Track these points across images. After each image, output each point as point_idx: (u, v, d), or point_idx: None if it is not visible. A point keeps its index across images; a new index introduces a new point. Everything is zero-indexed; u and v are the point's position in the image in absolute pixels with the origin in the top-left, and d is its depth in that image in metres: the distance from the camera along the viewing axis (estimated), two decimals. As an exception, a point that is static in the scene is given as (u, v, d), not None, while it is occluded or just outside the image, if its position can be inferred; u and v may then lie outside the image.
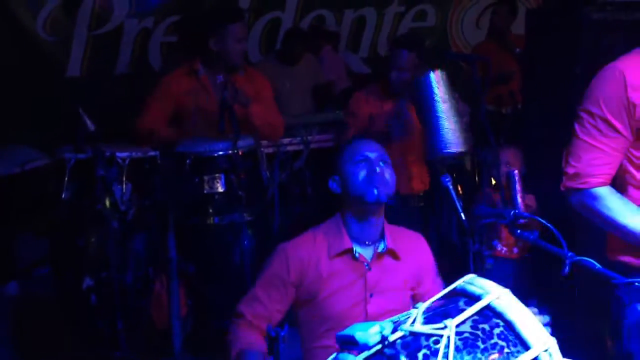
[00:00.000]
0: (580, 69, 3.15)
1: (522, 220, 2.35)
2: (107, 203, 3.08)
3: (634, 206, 1.93)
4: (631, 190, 1.98)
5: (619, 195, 1.96)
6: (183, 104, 3.37)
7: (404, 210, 3.45)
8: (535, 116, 3.56)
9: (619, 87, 1.89)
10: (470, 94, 5.05)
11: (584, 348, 1.84)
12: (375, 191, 2.15)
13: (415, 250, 2.29)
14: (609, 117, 1.91)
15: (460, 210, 2.75)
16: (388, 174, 2.22)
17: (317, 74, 5.38)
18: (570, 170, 1.99)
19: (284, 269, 2.18)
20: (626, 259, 1.98)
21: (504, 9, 5.43)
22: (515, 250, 3.42)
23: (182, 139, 3.28)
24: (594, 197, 1.95)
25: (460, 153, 3.17)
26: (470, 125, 3.42)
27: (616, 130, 1.92)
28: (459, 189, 3.76)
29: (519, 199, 3.03)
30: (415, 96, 3.17)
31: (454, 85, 3.21)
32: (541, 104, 3.50)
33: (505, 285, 1.52)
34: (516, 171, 3.03)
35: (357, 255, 2.19)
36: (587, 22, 3.22)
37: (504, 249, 3.41)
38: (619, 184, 2.00)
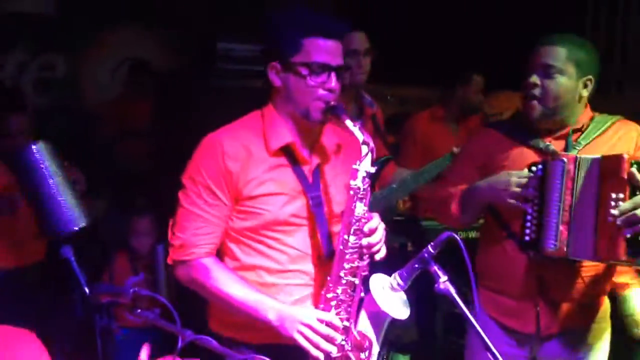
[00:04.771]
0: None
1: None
2: None
3: (236, 276, 1.95)
4: (227, 261, 2.01)
5: (223, 265, 1.97)
6: None
7: (16, 287, 3.13)
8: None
9: (217, 156, 1.94)
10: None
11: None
12: None
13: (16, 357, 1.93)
14: (211, 185, 1.94)
15: (84, 284, 2.48)
16: None
17: None
18: (176, 242, 1.98)
19: None
20: (230, 334, 1.98)
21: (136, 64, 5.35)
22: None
23: None
24: (200, 269, 1.95)
25: (83, 228, 2.89)
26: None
27: (218, 198, 1.95)
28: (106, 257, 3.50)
29: (162, 275, 2.90)
30: (18, 171, 2.80)
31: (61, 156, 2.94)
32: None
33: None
34: (161, 246, 2.90)
35: None
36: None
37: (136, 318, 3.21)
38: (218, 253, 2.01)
